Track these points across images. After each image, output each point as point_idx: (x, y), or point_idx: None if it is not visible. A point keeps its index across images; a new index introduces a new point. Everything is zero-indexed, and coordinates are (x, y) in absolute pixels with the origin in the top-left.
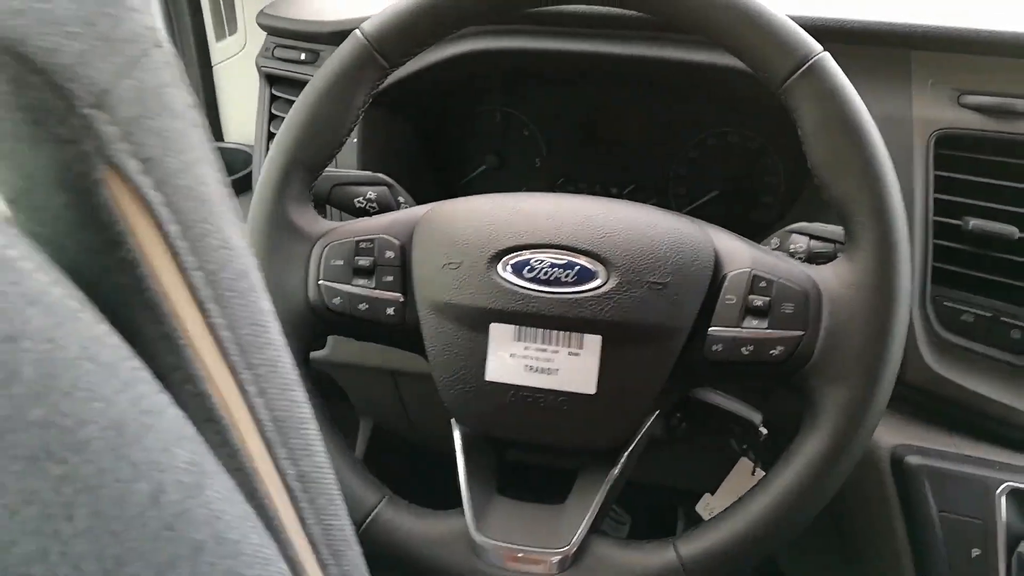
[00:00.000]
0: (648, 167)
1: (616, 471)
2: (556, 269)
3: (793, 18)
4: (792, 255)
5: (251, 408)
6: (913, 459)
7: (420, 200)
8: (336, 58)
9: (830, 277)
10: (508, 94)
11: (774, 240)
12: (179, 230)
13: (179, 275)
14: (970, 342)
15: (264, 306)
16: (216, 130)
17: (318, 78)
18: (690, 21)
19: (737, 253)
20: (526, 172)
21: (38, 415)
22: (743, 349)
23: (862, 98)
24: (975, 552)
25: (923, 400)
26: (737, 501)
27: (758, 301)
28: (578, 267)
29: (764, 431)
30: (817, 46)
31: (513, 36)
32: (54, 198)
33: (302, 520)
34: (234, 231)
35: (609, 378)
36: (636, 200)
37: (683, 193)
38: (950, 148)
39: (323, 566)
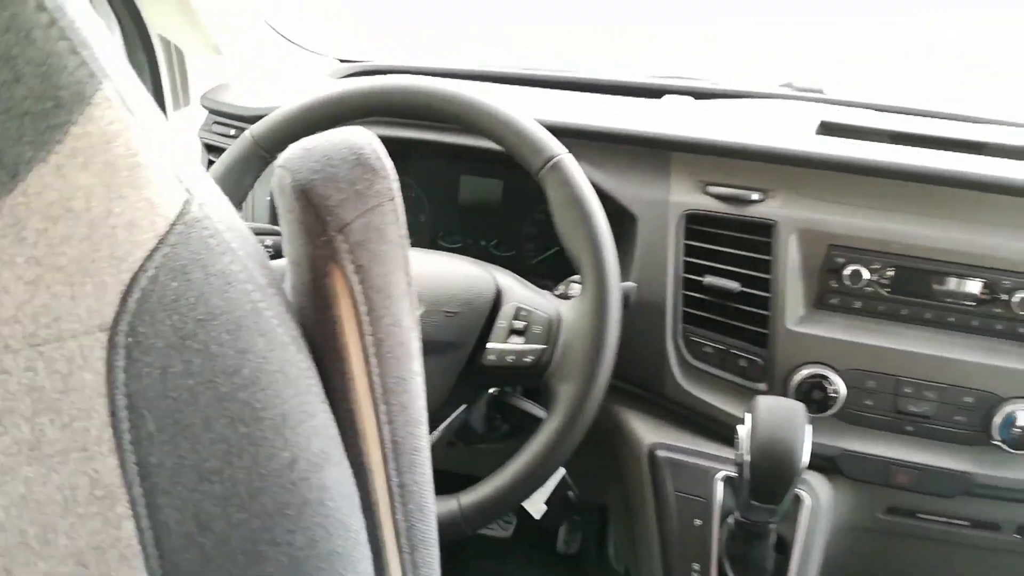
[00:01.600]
0: (506, 225)
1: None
2: None
3: (596, 127)
4: (568, 296)
5: (379, 429)
6: (661, 453)
7: None
8: (229, 152)
9: (567, 308)
10: (399, 162)
11: (561, 287)
12: (366, 309)
13: (358, 336)
14: (710, 367)
15: (413, 367)
16: None
17: (217, 164)
18: (475, 127)
19: (510, 290)
20: (412, 227)
21: (244, 396)
22: (508, 358)
23: (634, 186)
24: (697, 522)
25: (676, 409)
26: (503, 465)
27: (519, 324)
28: None
29: None
30: (561, 148)
31: (382, 126)
32: (305, 274)
33: (393, 512)
34: (406, 316)
35: None
36: (497, 250)
37: (532, 248)
38: (697, 224)
39: (400, 551)
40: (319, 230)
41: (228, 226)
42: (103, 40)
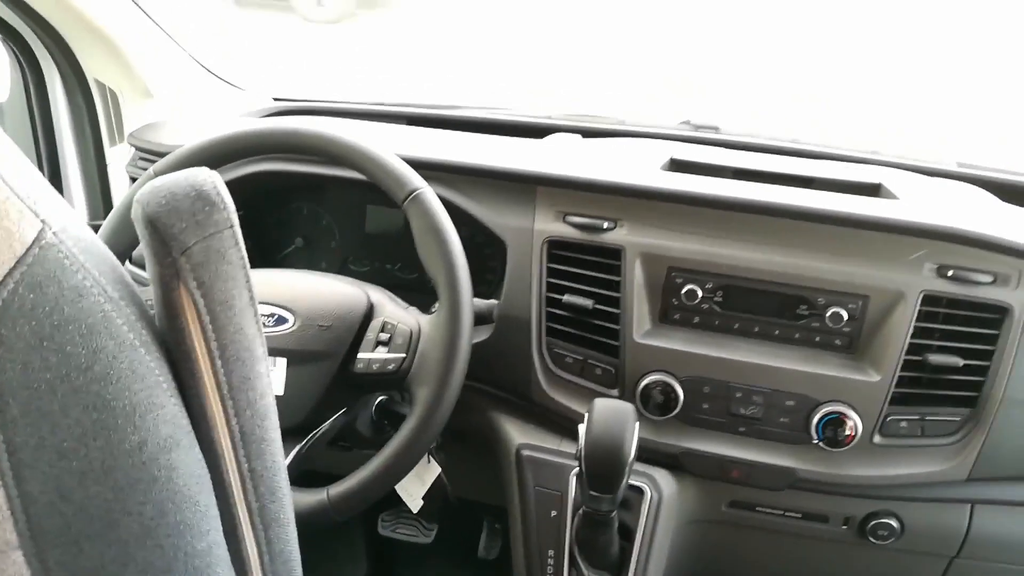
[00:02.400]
0: (408, 251)
1: (304, 444)
2: (264, 316)
3: (471, 164)
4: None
5: (227, 420)
6: (526, 452)
7: None
8: (135, 187)
9: (427, 322)
10: (312, 193)
11: (436, 304)
12: (209, 319)
13: (203, 341)
14: (570, 375)
15: (259, 369)
16: (108, 207)
17: (124, 197)
18: (348, 164)
19: (380, 306)
20: (325, 251)
21: (96, 388)
22: (374, 366)
23: (503, 215)
24: (553, 513)
25: (542, 413)
26: (370, 459)
27: (384, 336)
28: (276, 315)
29: None
30: (422, 182)
31: (297, 162)
32: (158, 290)
33: (245, 494)
34: (249, 324)
35: (291, 384)
36: (402, 273)
37: None
38: (557, 249)
39: (253, 527)
40: (165, 253)
41: (83, 250)
42: None
